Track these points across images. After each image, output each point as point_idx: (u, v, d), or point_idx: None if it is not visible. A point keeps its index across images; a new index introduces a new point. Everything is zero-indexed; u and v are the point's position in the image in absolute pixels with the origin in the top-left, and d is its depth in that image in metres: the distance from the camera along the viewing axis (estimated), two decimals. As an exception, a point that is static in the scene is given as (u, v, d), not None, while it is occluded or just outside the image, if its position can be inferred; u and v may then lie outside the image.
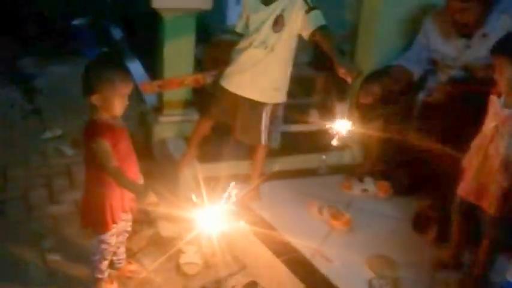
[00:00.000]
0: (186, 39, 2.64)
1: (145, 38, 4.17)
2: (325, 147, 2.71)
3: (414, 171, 2.46)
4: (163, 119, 2.72)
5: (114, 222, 1.83)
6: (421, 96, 2.42)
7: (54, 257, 2.09)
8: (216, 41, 3.34)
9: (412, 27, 2.54)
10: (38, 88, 3.73)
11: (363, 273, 1.98)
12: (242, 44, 2.22)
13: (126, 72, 1.77)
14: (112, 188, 1.77)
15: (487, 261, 1.86)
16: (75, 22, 4.37)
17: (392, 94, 2.37)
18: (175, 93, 2.70)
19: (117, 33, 4.57)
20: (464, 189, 1.85)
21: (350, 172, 2.66)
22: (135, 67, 3.65)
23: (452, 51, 2.29)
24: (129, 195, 1.85)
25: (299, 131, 2.83)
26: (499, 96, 1.67)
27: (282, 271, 2.01)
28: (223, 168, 2.50)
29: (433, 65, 2.46)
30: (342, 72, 1.95)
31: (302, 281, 1.92)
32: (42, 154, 2.91)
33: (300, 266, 1.99)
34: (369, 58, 2.66)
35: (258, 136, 2.27)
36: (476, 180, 1.78)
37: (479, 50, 2.18)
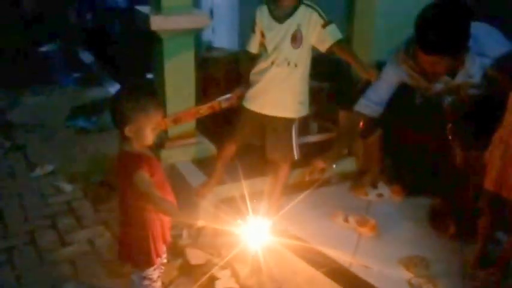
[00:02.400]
0: (186, 59, 2.60)
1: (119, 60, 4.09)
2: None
3: (423, 171, 2.59)
4: (169, 144, 2.64)
5: (158, 255, 1.75)
6: (418, 100, 2.47)
7: (81, 304, 1.97)
8: (200, 58, 3.31)
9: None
10: (15, 122, 3.51)
11: (401, 274, 2.03)
12: (263, 64, 2.20)
13: (158, 99, 1.71)
14: (153, 220, 1.70)
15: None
16: (43, 48, 4.14)
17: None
18: (180, 127, 2.64)
19: (86, 57, 4.39)
20: (488, 181, 1.93)
21: (356, 181, 2.72)
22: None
23: (436, 88, 2.27)
24: (168, 226, 1.79)
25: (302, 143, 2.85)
26: None
27: (322, 283, 2.02)
28: (240, 187, 2.47)
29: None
30: (368, 73, 2.17)
31: (346, 290, 1.95)
32: (38, 193, 2.73)
33: (340, 275, 2.01)
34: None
35: (290, 152, 2.29)
36: (498, 170, 1.88)
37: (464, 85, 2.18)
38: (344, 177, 2.75)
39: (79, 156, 3.14)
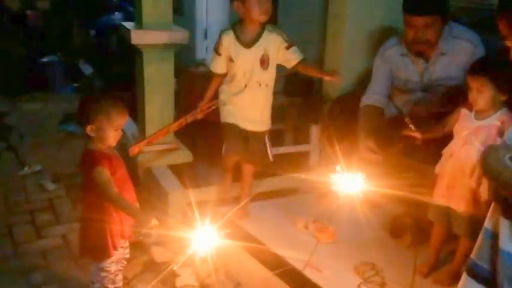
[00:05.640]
0: (165, 72, 2.76)
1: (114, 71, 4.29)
2: (302, 168, 2.91)
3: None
4: (147, 148, 2.78)
5: (115, 248, 1.85)
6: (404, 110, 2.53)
7: (45, 292, 2.08)
8: (189, 73, 3.50)
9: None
10: (11, 125, 3.71)
11: (352, 279, 2.10)
12: (234, 87, 2.31)
13: (122, 104, 1.82)
14: (111, 214, 1.81)
15: (463, 258, 1.99)
16: (45, 59, 4.38)
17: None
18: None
19: (86, 68, 4.63)
20: (437, 193, 2.01)
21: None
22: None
23: (413, 75, 2.43)
24: (127, 222, 1.90)
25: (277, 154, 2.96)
26: (471, 110, 1.88)
27: (276, 284, 2.10)
28: (212, 192, 2.60)
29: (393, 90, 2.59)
30: (331, 76, 2.32)
31: (296, 292, 2.03)
32: (23, 190, 2.89)
33: (292, 278, 2.09)
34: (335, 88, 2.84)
35: (267, 158, 2.46)
36: (447, 183, 1.96)
37: (437, 69, 2.36)
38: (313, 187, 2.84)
39: (66, 158, 3.31)
